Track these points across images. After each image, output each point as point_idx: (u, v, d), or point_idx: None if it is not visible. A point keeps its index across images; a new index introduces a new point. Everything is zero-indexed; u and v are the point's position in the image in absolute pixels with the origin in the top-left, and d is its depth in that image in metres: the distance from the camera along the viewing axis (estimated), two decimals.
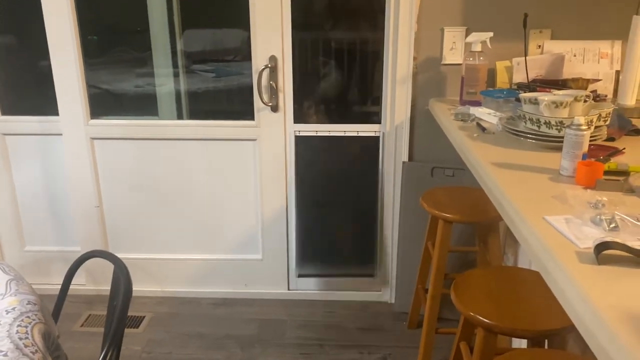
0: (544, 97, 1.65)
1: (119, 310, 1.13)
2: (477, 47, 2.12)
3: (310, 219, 2.62)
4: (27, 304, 1.14)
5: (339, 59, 2.44)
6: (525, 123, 1.68)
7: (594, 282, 0.88)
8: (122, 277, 1.17)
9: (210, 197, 2.60)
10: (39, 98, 2.59)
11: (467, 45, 2.21)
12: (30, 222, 2.75)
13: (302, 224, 2.62)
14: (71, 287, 2.80)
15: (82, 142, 2.52)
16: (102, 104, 2.56)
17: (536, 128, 1.63)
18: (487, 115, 1.93)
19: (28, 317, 1.10)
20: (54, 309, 1.45)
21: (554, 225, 1.07)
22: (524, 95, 1.73)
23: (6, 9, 2.50)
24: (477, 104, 2.14)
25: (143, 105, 2.59)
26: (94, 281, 2.76)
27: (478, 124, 1.87)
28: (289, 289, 2.72)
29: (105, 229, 2.67)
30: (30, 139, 2.61)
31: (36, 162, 2.65)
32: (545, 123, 1.59)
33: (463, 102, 2.18)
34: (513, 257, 2.31)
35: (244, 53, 2.45)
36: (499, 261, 2.08)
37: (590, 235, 1.02)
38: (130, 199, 2.62)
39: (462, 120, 1.97)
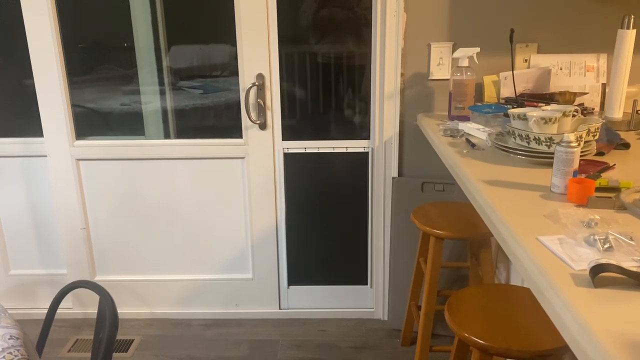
0: (533, 113, 1.65)
1: (105, 342, 1.10)
2: (464, 62, 2.12)
3: (301, 236, 2.59)
4: (9, 339, 1.10)
5: (327, 75, 2.44)
6: (515, 139, 1.67)
7: (591, 306, 0.86)
8: (107, 308, 1.13)
9: (199, 216, 2.57)
10: (23, 119, 2.55)
11: (454, 61, 2.22)
12: (15, 246, 2.70)
13: (292, 241, 2.60)
14: (58, 311, 2.76)
15: (67, 164, 2.48)
16: (88, 123, 2.53)
17: (526, 144, 1.62)
18: (476, 130, 1.93)
19: (10, 352, 1.06)
20: (39, 339, 1.41)
21: (547, 247, 1.05)
22: (513, 111, 1.73)
23: None
24: (466, 119, 2.14)
25: (129, 124, 2.57)
26: (80, 305, 2.70)
27: (467, 140, 1.86)
28: (280, 308, 2.69)
29: (92, 251, 2.62)
30: (14, 160, 2.57)
31: (21, 185, 2.60)
32: (534, 139, 1.59)
33: (451, 117, 2.17)
34: (505, 272, 2.30)
35: (232, 68, 2.44)
36: (491, 276, 2.07)
37: (585, 257, 1.00)
38: (117, 220, 2.57)
39: (451, 135, 1.96)
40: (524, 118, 1.67)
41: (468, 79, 2.13)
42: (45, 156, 2.50)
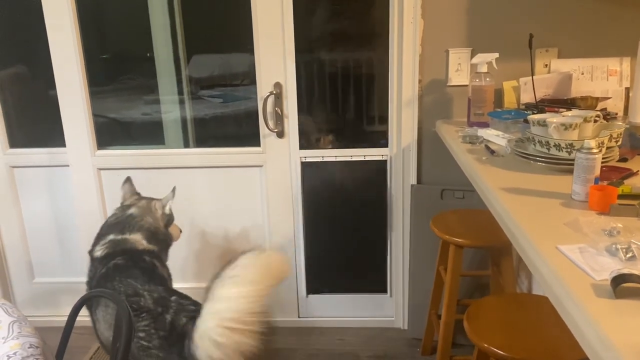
0: (553, 119, 1.62)
1: (121, 353, 1.11)
2: (483, 68, 2.10)
3: (319, 245, 2.58)
4: (29, 348, 1.12)
5: (344, 83, 2.44)
6: (535, 145, 1.64)
7: (612, 318, 0.84)
8: (124, 318, 1.14)
9: (217, 224, 2.58)
10: (47, 129, 2.60)
11: (473, 67, 2.19)
12: (39, 254, 2.75)
13: (311, 250, 2.59)
14: (79, 319, 2.79)
15: (89, 173, 2.52)
16: (109, 133, 2.57)
17: (546, 151, 1.59)
18: (496, 137, 1.90)
19: None
20: (58, 348, 1.42)
21: (568, 256, 1.03)
22: (533, 117, 1.70)
23: (13, 40, 2.53)
24: (485, 125, 2.11)
25: (149, 133, 2.60)
26: None
27: (486, 147, 1.84)
28: (299, 317, 2.68)
29: None
30: (38, 170, 2.62)
31: (44, 194, 2.65)
32: (554, 145, 1.56)
33: (470, 124, 2.15)
34: (527, 281, 2.26)
35: (251, 77, 2.44)
36: (513, 285, 2.03)
37: (607, 266, 0.98)
38: None
39: (470, 142, 1.94)
40: (543, 124, 1.64)
41: (487, 85, 2.10)
42: (68, 166, 2.55)
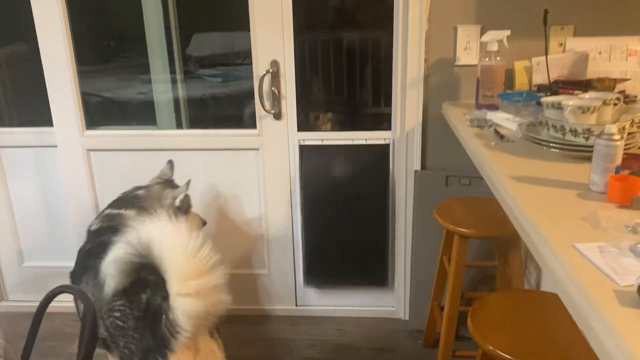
0: (569, 101, 1.49)
1: (83, 353, 1.01)
2: (494, 47, 1.96)
3: (318, 231, 2.48)
4: None
5: (345, 62, 2.30)
6: (548, 130, 1.51)
7: (639, 332, 0.72)
8: (88, 317, 1.04)
9: (212, 209, 2.47)
10: (35, 108, 2.49)
11: (483, 45, 2.05)
12: (29, 238, 2.65)
13: (309, 236, 2.48)
14: (70, 304, 2.70)
15: (78, 154, 2.42)
16: (98, 113, 2.46)
17: (560, 136, 1.46)
18: (506, 120, 1.77)
19: None
20: (24, 349, 1.32)
21: (586, 256, 0.91)
22: (546, 99, 1.57)
23: None
24: (495, 107, 1.98)
25: (140, 114, 2.49)
26: None
27: (496, 131, 1.71)
28: (297, 305, 2.58)
29: None
30: (26, 151, 2.51)
31: (33, 175, 2.55)
32: (570, 130, 1.43)
33: (479, 106, 2.02)
34: (536, 273, 2.14)
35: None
36: (521, 279, 1.92)
37: (631, 269, 0.86)
38: None
39: (478, 126, 1.81)
40: (558, 107, 1.51)
41: (497, 65, 1.97)
42: (57, 146, 2.44)
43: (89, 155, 2.42)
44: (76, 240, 2.55)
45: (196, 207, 2.46)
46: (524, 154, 1.49)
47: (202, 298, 1.39)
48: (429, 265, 2.32)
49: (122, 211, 1.90)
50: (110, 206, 1.95)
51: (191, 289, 1.40)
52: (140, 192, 1.96)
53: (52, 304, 2.67)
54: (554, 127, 1.48)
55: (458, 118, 1.94)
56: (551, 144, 1.48)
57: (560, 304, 1.44)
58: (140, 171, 2.43)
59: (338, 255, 2.51)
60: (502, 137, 1.64)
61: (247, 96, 2.40)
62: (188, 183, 2.00)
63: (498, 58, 1.96)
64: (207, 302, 1.39)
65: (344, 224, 2.46)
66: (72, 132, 2.38)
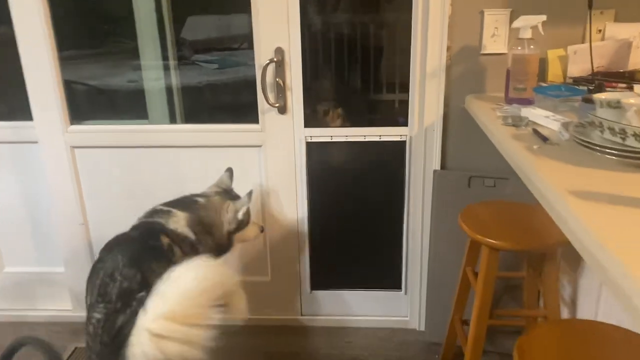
0: (630, 99, 1.28)
1: None
2: (527, 34, 1.74)
3: (326, 234, 2.27)
4: None
5: (358, 50, 2.08)
6: (602, 133, 1.30)
7: None
8: None
9: None
10: (13, 99, 2.25)
11: (514, 32, 1.83)
12: (9, 241, 2.43)
13: (316, 241, 2.28)
14: (56, 313, 2.49)
15: (61, 151, 2.19)
16: (83, 105, 2.22)
17: (619, 140, 1.25)
18: (545, 119, 1.56)
19: None
20: None
21: None
22: (600, 96, 1.35)
23: None
24: (527, 102, 1.77)
25: (130, 106, 2.26)
26: (81, 306, 2.44)
27: (535, 131, 1.50)
28: (302, 314, 2.39)
29: (92, 248, 2.34)
30: (3, 147, 2.28)
31: (12, 174, 2.32)
32: (634, 135, 1.22)
33: (509, 100, 1.80)
34: (571, 287, 1.94)
35: (251, 40, 2.08)
36: (555, 295, 1.72)
37: None
38: (119, 215, 2.28)
39: (513, 125, 1.59)
40: (617, 106, 1.29)
41: (531, 54, 1.75)
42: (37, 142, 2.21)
43: (74, 153, 2.20)
44: (61, 244, 2.33)
45: None
46: (574, 160, 1.28)
47: (169, 346, 1.20)
48: (448, 272, 2.13)
49: (172, 209, 1.73)
50: (163, 204, 1.79)
51: (163, 329, 1.21)
52: (201, 199, 1.80)
53: (35, 312, 2.48)
54: (611, 129, 1.27)
55: (487, 114, 1.72)
56: (607, 150, 1.27)
57: (621, 336, 1.25)
58: (130, 170, 2.21)
59: (347, 259, 2.31)
60: (545, 139, 1.43)
61: (247, 85, 2.18)
62: (250, 195, 1.85)
63: (532, 46, 1.74)
64: (174, 353, 1.20)
65: (354, 227, 2.25)
66: (55, 127, 2.15)
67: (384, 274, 2.32)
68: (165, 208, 1.74)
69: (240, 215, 1.82)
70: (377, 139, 2.11)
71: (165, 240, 1.63)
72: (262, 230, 1.95)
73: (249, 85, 2.11)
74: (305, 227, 2.24)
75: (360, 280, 2.34)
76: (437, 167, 2.06)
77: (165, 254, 1.61)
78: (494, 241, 1.64)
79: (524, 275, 1.95)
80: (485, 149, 2.02)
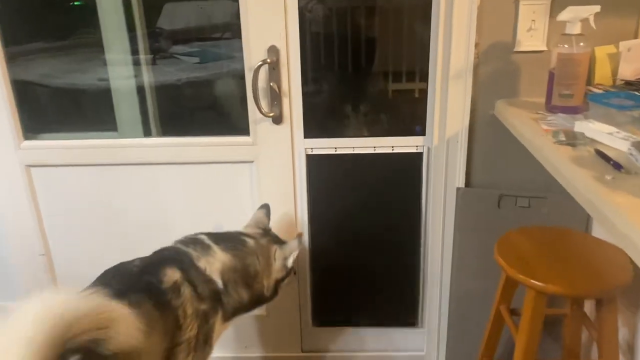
0: None
1: None
2: (576, 28, 1.44)
3: (330, 261, 1.97)
4: None
5: (367, 48, 1.76)
6: None
7: None
8: None
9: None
10: None
11: (557, 26, 1.53)
12: None
13: (318, 267, 1.98)
14: None
15: (14, 172, 1.84)
16: (39, 115, 1.88)
17: None
18: (609, 136, 1.26)
19: None
20: None
21: None
22: None
23: None
24: (573, 111, 1.47)
25: (95, 114, 1.92)
26: None
27: (599, 153, 1.20)
28: (302, 351, 2.09)
29: (56, 281, 2.01)
30: None
31: None
32: None
33: (551, 108, 1.50)
34: (627, 330, 1.65)
35: (237, 29, 1.75)
36: (615, 347, 1.44)
37: None
38: (86, 243, 1.95)
39: (569, 144, 1.29)
40: None
41: (581, 53, 1.44)
42: None
43: (30, 173, 1.85)
44: (19, 278, 2.00)
45: (177, 233, 1.93)
46: None
47: None
48: (473, 305, 1.84)
49: (212, 245, 1.50)
50: (208, 234, 1.56)
51: None
52: (250, 241, 1.57)
53: None
54: None
55: (529, 126, 1.42)
56: None
57: None
58: (98, 192, 1.88)
59: (354, 288, 2.01)
60: (618, 167, 1.13)
61: (233, 83, 1.87)
62: (300, 239, 1.64)
63: (581, 43, 1.44)
64: None
65: (363, 254, 1.95)
66: (4, 142, 1.80)
67: (397, 306, 2.03)
68: (207, 241, 1.52)
69: (290, 262, 1.60)
70: (389, 150, 1.80)
71: (173, 276, 1.37)
72: (295, 272, 1.72)
73: (236, 82, 1.79)
74: (306, 254, 1.93)
75: (368, 314, 2.04)
76: (461, 184, 1.76)
77: (161, 295, 1.33)
78: (542, 284, 1.34)
79: (566, 312, 1.66)
80: (518, 162, 1.72)
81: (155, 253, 1.49)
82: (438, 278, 1.89)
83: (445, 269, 1.87)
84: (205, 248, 1.49)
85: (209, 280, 1.45)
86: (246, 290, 1.52)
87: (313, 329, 2.07)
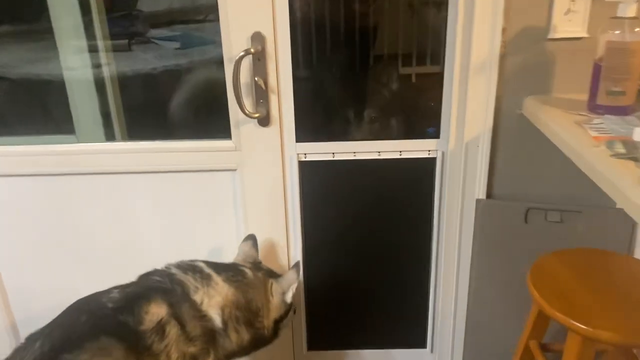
0: None
1: None
2: (630, 11, 1.18)
3: (326, 284, 1.72)
4: None
5: (370, 35, 1.48)
6: None
7: None
8: None
9: (170, 254, 1.67)
10: None
11: (603, 7, 1.26)
12: None
13: (313, 291, 1.73)
14: None
15: None
16: None
17: None
18: None
19: None
20: None
21: None
22: None
23: None
24: (624, 111, 1.23)
25: (49, 113, 1.63)
26: None
27: None
28: None
29: (8, 305, 1.74)
30: None
31: None
32: None
33: (595, 107, 1.25)
34: None
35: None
36: None
37: None
38: (43, 262, 1.68)
39: (630, 158, 1.03)
40: None
41: (636, 41, 1.19)
42: None
43: None
44: None
45: (146, 255, 1.66)
46: None
47: None
48: (494, 330, 1.60)
49: (213, 275, 1.30)
50: (209, 263, 1.35)
51: None
52: (248, 272, 1.36)
53: None
54: None
55: (572, 132, 1.16)
56: None
57: None
58: (54, 206, 1.60)
59: (355, 312, 1.77)
60: None
61: (216, 75, 1.59)
62: (298, 268, 1.44)
63: (637, 29, 1.18)
64: None
65: (365, 272, 1.70)
66: None
67: (404, 328, 1.78)
68: (207, 270, 1.31)
69: (289, 297, 1.41)
70: (396, 155, 1.53)
71: (158, 313, 1.16)
72: (294, 310, 1.48)
73: (221, 73, 1.50)
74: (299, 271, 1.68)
75: (371, 337, 1.80)
76: (482, 195, 1.50)
77: (137, 337, 1.12)
78: (591, 329, 1.10)
79: (608, 349, 1.42)
80: (549, 170, 1.47)
81: (141, 278, 1.30)
82: (451, 299, 1.65)
83: (461, 290, 1.62)
84: (205, 277, 1.29)
85: (203, 317, 1.23)
86: (247, 330, 1.31)
87: (307, 354, 1.83)
